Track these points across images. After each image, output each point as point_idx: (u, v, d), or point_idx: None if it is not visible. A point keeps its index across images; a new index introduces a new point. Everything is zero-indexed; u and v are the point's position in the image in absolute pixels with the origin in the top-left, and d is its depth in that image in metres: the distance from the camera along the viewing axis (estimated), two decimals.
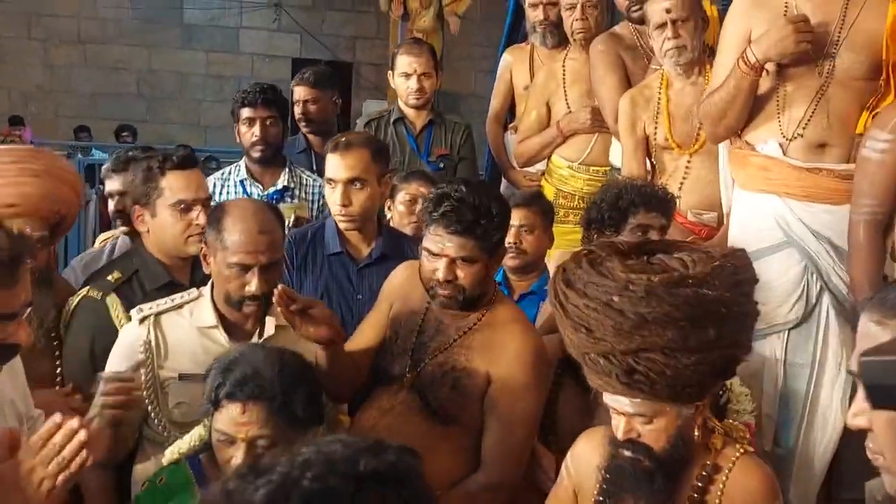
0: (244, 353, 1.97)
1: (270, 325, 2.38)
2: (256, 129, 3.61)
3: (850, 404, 2.78)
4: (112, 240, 3.20)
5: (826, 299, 2.86)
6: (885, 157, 2.58)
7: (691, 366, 1.72)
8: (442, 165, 3.96)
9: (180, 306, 2.36)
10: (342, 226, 2.91)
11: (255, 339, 2.34)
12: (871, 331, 1.24)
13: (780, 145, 2.84)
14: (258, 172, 3.69)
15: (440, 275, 2.27)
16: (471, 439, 2.32)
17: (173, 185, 2.61)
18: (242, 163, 3.71)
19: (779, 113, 2.84)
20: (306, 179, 3.73)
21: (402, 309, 2.45)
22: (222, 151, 7.71)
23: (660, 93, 3.26)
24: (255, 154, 3.63)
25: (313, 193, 3.71)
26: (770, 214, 2.85)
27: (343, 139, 2.93)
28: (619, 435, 1.81)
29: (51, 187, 2.36)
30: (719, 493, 1.84)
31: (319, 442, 1.03)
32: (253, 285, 2.28)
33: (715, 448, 1.87)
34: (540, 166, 4.12)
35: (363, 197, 2.86)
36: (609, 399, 1.80)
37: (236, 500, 0.95)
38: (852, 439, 2.82)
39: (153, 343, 2.30)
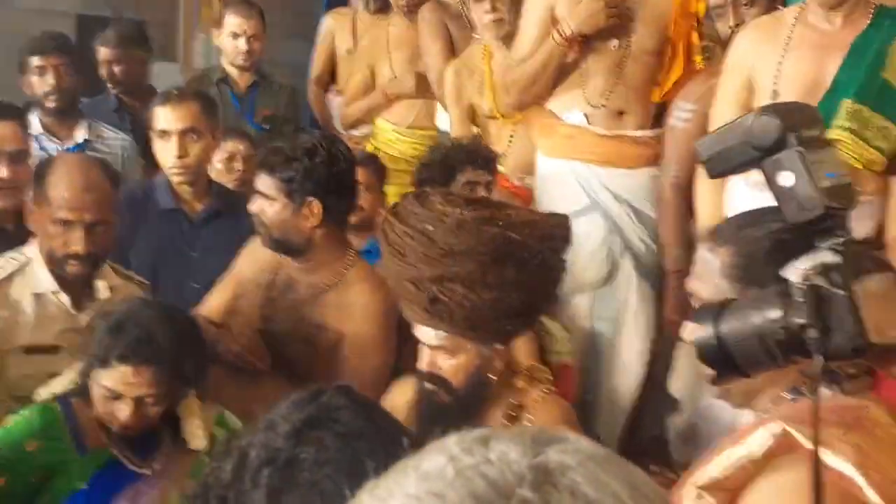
0: (134, 311, 2.03)
1: (103, 288, 2.43)
2: (50, 77, 3.54)
3: (648, 351, 3.16)
4: None
5: (627, 258, 3.21)
6: (688, 125, 2.93)
7: (489, 301, 1.92)
8: (267, 127, 4.01)
9: (10, 275, 2.35)
10: (177, 179, 2.96)
11: (87, 305, 2.40)
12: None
13: (585, 114, 3.14)
14: (53, 125, 3.61)
15: (253, 207, 2.49)
16: None
17: None
18: (35, 117, 3.58)
19: (582, 83, 3.11)
20: (108, 134, 3.71)
21: (252, 268, 2.57)
22: None
23: (483, 65, 3.46)
24: (50, 104, 3.56)
25: (115, 147, 3.67)
26: (575, 180, 3.17)
27: (174, 92, 3.01)
28: (422, 366, 2.00)
29: None
30: None
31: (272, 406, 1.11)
32: (77, 244, 2.30)
33: (520, 389, 2.08)
34: (365, 130, 4.25)
35: (198, 148, 2.94)
36: (418, 331, 1.99)
37: (211, 483, 1.04)
38: (654, 383, 3.19)
39: None
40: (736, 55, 2.74)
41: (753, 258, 1.26)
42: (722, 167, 1.04)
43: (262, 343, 2.51)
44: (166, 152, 2.94)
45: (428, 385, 1.99)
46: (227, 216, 3.06)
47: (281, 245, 2.50)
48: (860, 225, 2.56)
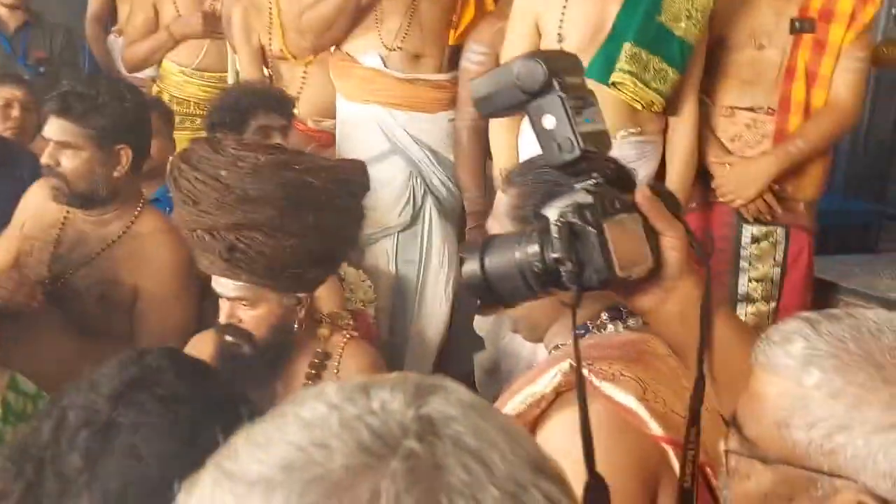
0: None
1: None
2: None
3: (452, 293, 3.25)
4: None
5: (429, 201, 3.28)
6: (480, 68, 3.00)
7: (289, 248, 1.90)
8: (42, 70, 3.76)
9: None
10: None
11: None
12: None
13: (381, 57, 3.16)
14: None
15: (43, 159, 2.31)
16: (117, 353, 2.37)
17: None
18: None
19: (377, 25, 3.13)
20: None
21: (37, 223, 2.44)
22: None
23: (270, 3, 3.38)
24: None
25: None
26: (375, 124, 3.19)
27: None
28: (222, 318, 1.96)
29: None
30: (335, 376, 2.05)
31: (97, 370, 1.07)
32: None
33: (324, 336, 2.08)
34: (150, 72, 4.07)
35: None
36: (216, 283, 1.95)
37: (28, 443, 0.99)
38: (458, 322, 3.29)
39: None
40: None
41: (527, 199, 1.35)
42: (492, 108, 1.10)
43: (29, 279, 2.38)
44: None
45: (228, 338, 1.96)
46: (5, 169, 2.88)
47: (82, 198, 2.38)
48: (645, 165, 2.74)
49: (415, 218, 3.24)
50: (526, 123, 2.79)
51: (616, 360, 1.30)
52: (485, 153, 3.10)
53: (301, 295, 1.98)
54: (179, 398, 1.03)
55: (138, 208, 2.46)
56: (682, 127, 2.81)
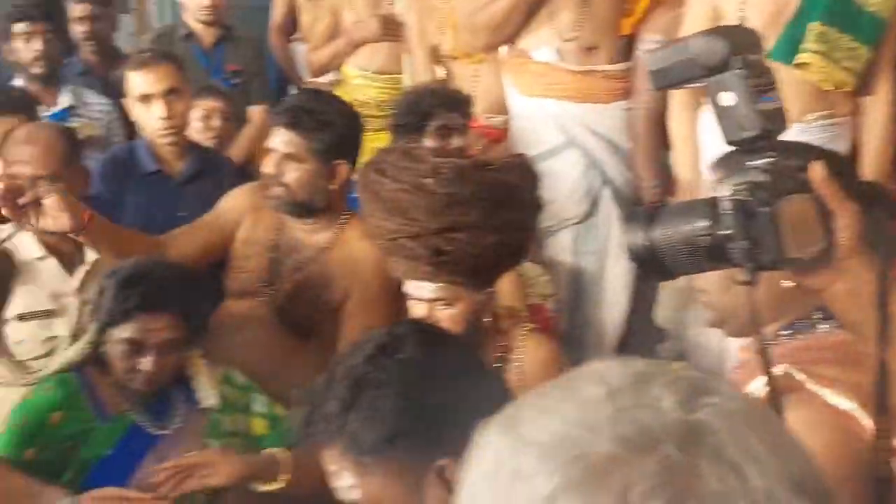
0: (141, 265, 2.14)
1: (91, 251, 2.49)
2: (36, 44, 3.57)
3: (633, 282, 3.25)
4: None
5: (606, 192, 3.29)
6: None
7: (492, 246, 2.00)
8: (234, 82, 4.02)
9: (2, 241, 2.42)
10: (166, 140, 3.02)
11: (77, 268, 2.47)
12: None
13: (556, 50, 3.21)
14: (39, 92, 3.65)
15: (268, 168, 2.49)
16: (326, 352, 2.53)
17: None
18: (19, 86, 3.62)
19: (550, 20, 3.20)
20: (91, 99, 3.76)
21: (252, 228, 2.60)
22: None
23: (444, 4, 3.49)
24: (37, 70, 3.60)
25: (98, 112, 3.73)
26: (550, 118, 3.23)
27: (145, 55, 3.06)
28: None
29: None
30: (517, 370, 2.14)
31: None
32: (28, 195, 2.32)
33: (505, 330, 2.17)
34: (331, 76, 4.27)
35: (181, 108, 3.02)
36: (411, 287, 2.06)
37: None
38: (638, 312, 3.30)
39: None
40: None
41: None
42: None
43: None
44: (150, 115, 2.99)
45: None
46: (208, 174, 3.12)
47: (300, 207, 2.53)
48: (837, 145, 2.67)
49: (592, 209, 3.27)
50: (705, 111, 2.78)
51: (832, 364, 1.28)
52: (661, 142, 3.10)
53: (490, 290, 2.07)
54: (415, 363, 1.14)
55: (344, 216, 2.61)
56: (878, 107, 2.71)
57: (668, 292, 3.10)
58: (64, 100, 3.62)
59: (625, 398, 0.59)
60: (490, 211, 1.97)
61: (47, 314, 2.40)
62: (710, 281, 1.56)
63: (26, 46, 3.58)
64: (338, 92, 4.15)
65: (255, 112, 3.97)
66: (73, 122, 3.60)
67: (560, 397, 0.61)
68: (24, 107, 2.84)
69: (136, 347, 2.06)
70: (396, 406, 1.13)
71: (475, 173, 1.98)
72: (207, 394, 2.18)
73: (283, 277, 2.58)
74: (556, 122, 3.20)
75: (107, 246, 2.39)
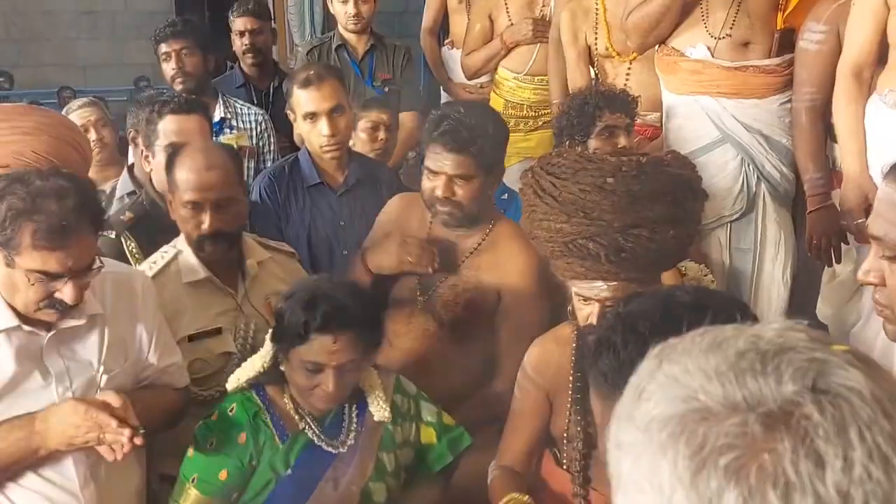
0: (320, 286, 2.18)
1: (252, 265, 2.60)
2: (173, 62, 3.84)
3: (790, 279, 3.24)
4: (113, 180, 3.35)
5: (763, 187, 3.32)
6: (821, 47, 2.98)
7: (671, 239, 2.07)
8: (387, 89, 4.19)
9: (164, 268, 2.51)
10: (331, 155, 3.17)
11: (239, 284, 2.58)
12: (886, 192, 1.50)
13: (709, 48, 3.24)
14: None
15: (439, 192, 2.58)
16: (483, 352, 2.66)
17: (167, 128, 2.85)
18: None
19: (703, 18, 3.22)
20: (241, 109, 3.97)
21: (404, 235, 2.70)
22: (104, 90, 7.75)
23: (597, 4, 3.56)
24: (178, 86, 3.85)
25: (251, 122, 3.95)
26: (704, 114, 3.28)
27: (312, 72, 3.18)
28: (594, 321, 2.11)
29: (46, 146, 2.39)
30: None
31: None
32: (206, 223, 2.45)
33: None
34: (485, 79, 4.40)
35: (344, 123, 3.15)
36: (583, 287, 2.12)
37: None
38: (794, 310, 3.28)
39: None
40: None
41: None
42: None
43: (430, 248, 2.66)
44: (315, 132, 3.15)
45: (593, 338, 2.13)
46: (366, 184, 3.27)
47: (471, 219, 2.64)
48: None
49: (749, 205, 3.29)
50: (873, 99, 2.76)
51: None
52: (825, 134, 3.08)
53: (656, 285, 2.14)
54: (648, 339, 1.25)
55: (493, 219, 2.72)
56: None
57: (830, 288, 3.09)
58: (216, 112, 3.84)
59: (757, 362, 0.65)
60: (670, 205, 2.04)
61: (216, 332, 2.49)
62: (892, 297, 1.56)
63: (167, 66, 3.86)
64: (493, 95, 4.33)
65: (406, 118, 4.13)
66: (227, 134, 3.86)
67: (711, 341, 0.70)
68: (202, 108, 3.02)
69: (317, 368, 2.11)
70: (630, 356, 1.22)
71: (655, 169, 2.06)
72: (380, 408, 2.22)
73: (435, 283, 2.69)
74: (710, 118, 3.25)
75: None
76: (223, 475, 2.16)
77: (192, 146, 2.58)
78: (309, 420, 2.21)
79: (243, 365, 2.27)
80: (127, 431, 1.94)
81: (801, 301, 3.30)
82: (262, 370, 2.21)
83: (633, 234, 2.03)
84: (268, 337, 2.24)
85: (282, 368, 2.20)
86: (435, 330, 2.68)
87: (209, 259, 2.51)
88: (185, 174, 2.46)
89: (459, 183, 2.59)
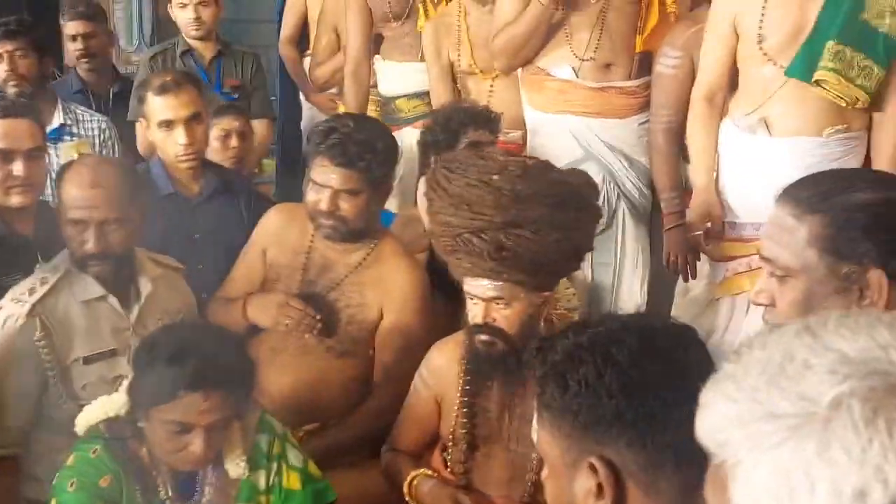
0: (184, 336, 2.05)
1: (145, 283, 2.51)
2: (4, 64, 3.64)
3: (647, 292, 3.39)
4: None
5: (622, 205, 3.46)
6: (676, 72, 3.15)
7: (553, 244, 2.13)
8: (236, 96, 4.11)
9: (55, 284, 2.39)
10: (187, 165, 3.07)
11: (133, 302, 2.48)
12: (788, 222, 1.52)
13: (573, 69, 3.36)
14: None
15: (323, 205, 2.55)
16: (362, 368, 2.68)
17: None
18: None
19: (568, 39, 3.33)
20: (82, 115, 3.80)
21: (282, 251, 2.71)
22: None
23: (458, 21, 3.62)
24: (11, 90, 3.63)
25: (93, 129, 3.78)
26: (568, 133, 3.39)
27: (168, 79, 3.08)
28: (479, 319, 2.19)
29: None
30: None
31: None
32: (90, 243, 2.36)
33: None
34: (334, 90, 4.39)
35: (201, 132, 3.06)
36: (471, 285, 2.18)
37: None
38: None
39: (48, 332, 2.35)
40: (721, 1, 2.93)
41: (848, 230, 1.45)
42: None
43: (310, 311, 2.63)
44: (170, 141, 3.03)
45: (483, 337, 2.18)
46: (224, 196, 3.18)
47: (355, 234, 2.63)
48: (852, 160, 2.83)
49: (609, 221, 3.40)
50: (726, 122, 2.93)
51: None
52: (680, 154, 3.25)
53: (546, 294, 2.20)
54: (626, 368, 1.18)
55: (377, 235, 2.71)
56: (888, 123, 2.88)
57: (684, 301, 3.25)
58: (55, 118, 3.66)
59: None
60: (553, 209, 2.11)
61: (111, 353, 2.42)
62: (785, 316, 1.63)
63: (10, 65, 3.62)
64: (341, 107, 4.29)
65: (257, 126, 4.06)
66: (67, 140, 3.66)
67: (870, 323, 0.72)
68: (32, 111, 2.86)
69: (184, 429, 1.96)
70: (608, 389, 1.15)
71: (541, 172, 2.14)
72: (236, 465, 2.09)
73: (317, 299, 2.66)
74: (574, 137, 3.36)
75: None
76: None
77: (84, 161, 2.48)
78: (167, 477, 2.07)
79: (92, 404, 2.12)
80: None
81: (656, 313, 3.43)
82: (114, 417, 2.06)
83: (514, 233, 2.10)
84: (123, 387, 2.10)
85: (140, 425, 2.03)
86: (314, 345, 2.64)
87: (107, 279, 2.41)
88: (71, 191, 2.35)
89: (345, 197, 2.58)
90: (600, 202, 3.34)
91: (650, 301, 3.50)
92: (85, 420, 2.09)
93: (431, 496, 2.27)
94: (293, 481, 2.18)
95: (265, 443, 2.16)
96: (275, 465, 2.16)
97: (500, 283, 2.13)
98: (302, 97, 4.76)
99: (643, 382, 1.16)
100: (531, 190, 2.10)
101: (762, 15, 2.80)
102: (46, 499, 2.09)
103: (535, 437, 1.25)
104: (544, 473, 1.25)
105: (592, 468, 1.14)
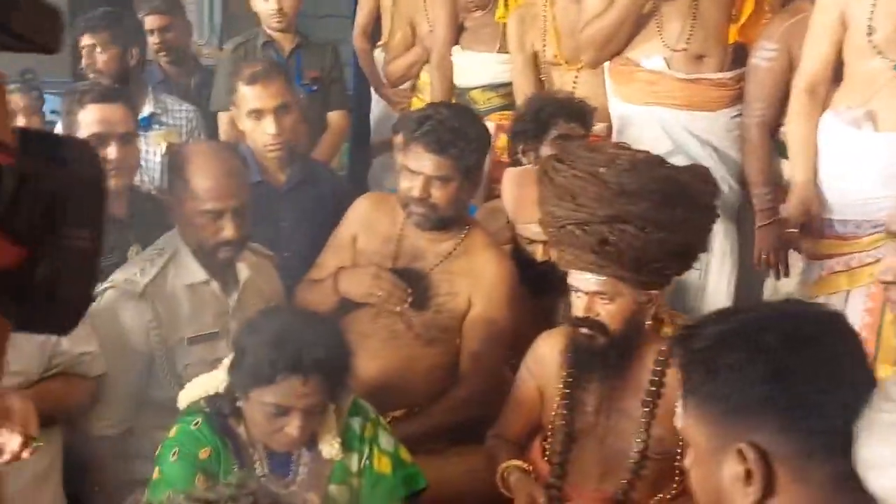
0: (286, 321, 2.09)
1: (244, 269, 2.58)
2: (101, 56, 3.72)
3: (734, 290, 3.33)
4: None
5: None
6: (772, 64, 3.09)
7: (657, 241, 2.09)
8: (315, 87, 4.11)
9: (163, 267, 2.48)
10: (274, 154, 3.09)
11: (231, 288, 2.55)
12: None
13: (665, 59, 3.29)
14: None
15: (416, 192, 2.54)
16: (448, 357, 2.67)
17: (88, 118, 2.74)
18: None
19: (659, 30, 3.28)
20: (171, 104, 3.86)
21: (372, 238, 2.71)
22: None
23: (545, 11, 3.59)
24: (105, 80, 3.65)
25: (182, 118, 3.81)
26: (657, 125, 3.34)
27: (258, 69, 3.12)
28: (580, 312, 2.17)
29: None
30: (677, 377, 2.20)
31: None
32: (228, 230, 2.44)
33: (666, 336, 2.27)
34: (408, 84, 4.38)
35: (290, 121, 3.06)
36: (574, 278, 2.16)
37: None
38: None
39: (157, 314, 2.43)
40: None
41: None
42: None
43: (401, 284, 2.64)
44: (260, 129, 3.07)
45: (585, 330, 2.16)
46: (310, 185, 3.20)
47: (445, 222, 2.62)
48: None
49: None
50: (826, 116, 2.87)
51: None
52: (773, 149, 3.19)
53: (653, 293, 2.16)
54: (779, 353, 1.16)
55: (467, 225, 2.71)
56: None
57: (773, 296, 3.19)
58: (146, 107, 3.71)
59: None
60: (659, 205, 2.07)
61: (212, 336, 2.48)
62: None
63: (90, 58, 3.71)
64: (415, 100, 4.30)
65: (334, 117, 4.09)
66: (156, 129, 3.71)
67: None
68: (125, 96, 2.92)
69: (282, 411, 2.01)
70: (760, 374, 1.14)
71: (649, 167, 2.09)
72: (332, 446, 2.14)
73: (409, 273, 2.67)
74: (662, 130, 3.31)
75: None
76: (200, 481, 2.03)
77: (203, 149, 2.58)
78: (262, 455, 2.12)
79: (193, 382, 2.19)
80: (19, 439, 1.86)
81: None
82: (214, 394, 2.11)
83: (618, 227, 2.07)
84: (224, 364, 2.15)
85: (238, 404, 2.08)
86: (402, 332, 2.64)
87: (212, 264, 2.48)
88: (205, 182, 2.42)
89: (437, 185, 2.57)
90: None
91: (737, 300, 3.43)
92: (187, 396, 2.16)
93: (516, 488, 2.28)
94: (384, 465, 2.22)
95: (358, 426, 2.21)
96: (367, 449, 2.20)
97: (603, 277, 2.11)
98: (372, 90, 4.77)
99: (795, 368, 1.14)
100: (637, 184, 2.06)
101: (873, 5, 2.73)
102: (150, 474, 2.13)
103: (678, 423, 1.23)
104: (688, 460, 1.23)
105: (741, 454, 1.12)
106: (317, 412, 2.05)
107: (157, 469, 2.08)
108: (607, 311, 2.15)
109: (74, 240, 0.65)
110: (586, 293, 2.14)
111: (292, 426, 2.01)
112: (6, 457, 1.85)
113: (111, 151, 2.68)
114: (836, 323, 1.21)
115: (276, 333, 2.01)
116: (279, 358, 1.97)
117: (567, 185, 2.10)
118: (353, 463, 2.18)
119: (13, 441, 1.85)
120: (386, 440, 2.24)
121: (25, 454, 1.86)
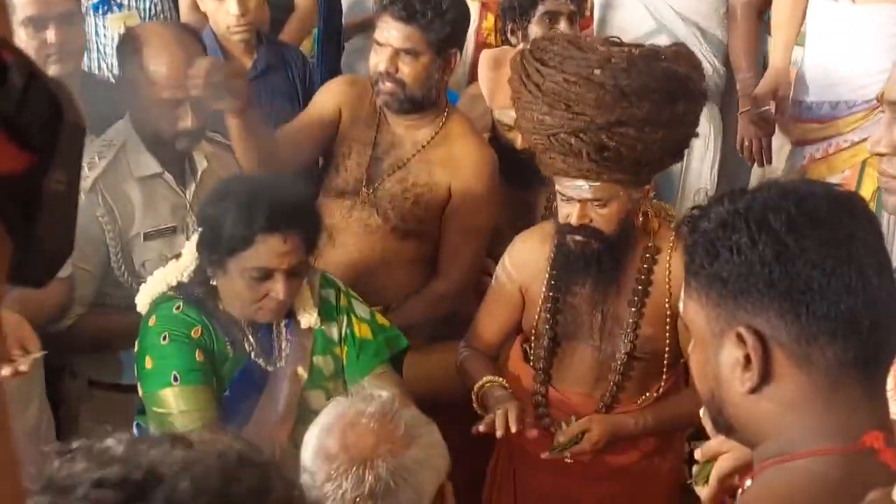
0: (255, 183, 2.07)
1: (200, 159, 2.47)
2: None
3: (717, 177, 3.29)
4: None
5: None
6: None
7: (658, 141, 2.01)
8: None
9: (113, 160, 2.36)
10: (239, 37, 2.98)
11: (188, 179, 2.46)
12: None
13: None
14: None
15: (382, 66, 2.45)
16: (425, 250, 2.60)
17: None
18: None
19: None
20: None
21: (350, 125, 2.58)
22: None
23: None
24: None
25: (144, 2, 3.59)
26: (640, 3, 3.25)
27: None
28: (574, 221, 2.08)
29: None
30: (667, 271, 2.18)
31: None
32: (186, 120, 2.32)
33: (653, 230, 2.20)
34: None
35: (255, 3, 2.93)
36: (565, 186, 2.07)
37: None
38: None
39: (109, 208, 2.33)
40: None
41: None
42: None
43: None
44: (223, 11, 2.93)
45: (577, 237, 2.09)
46: (279, 70, 3.09)
47: (414, 103, 2.50)
48: None
49: None
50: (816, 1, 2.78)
51: None
52: (759, 32, 3.10)
53: (646, 187, 2.10)
54: (783, 236, 1.11)
55: (445, 112, 2.60)
56: None
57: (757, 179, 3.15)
58: None
59: None
60: (661, 104, 1.97)
61: (169, 231, 2.40)
62: None
63: None
64: None
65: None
66: (115, 12, 3.53)
67: None
68: None
69: (265, 274, 1.98)
70: (762, 256, 1.10)
71: (647, 63, 1.96)
72: (309, 314, 2.13)
73: (383, 176, 2.59)
74: (645, 7, 3.21)
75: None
76: (199, 355, 2.02)
77: (158, 32, 2.40)
78: (248, 333, 2.10)
79: (149, 280, 2.13)
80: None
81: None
82: (175, 284, 2.07)
83: (618, 132, 1.97)
84: (187, 247, 2.10)
85: (212, 283, 2.05)
86: (378, 225, 2.57)
87: (166, 156, 2.37)
88: (163, 68, 2.29)
89: (406, 59, 2.46)
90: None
91: (721, 187, 3.39)
92: (147, 295, 2.11)
93: (494, 402, 2.17)
94: (364, 331, 2.22)
95: (332, 297, 2.21)
96: (345, 318, 2.21)
97: (599, 183, 2.02)
98: None
99: (800, 250, 1.09)
100: (637, 84, 1.94)
101: None
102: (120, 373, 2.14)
103: (680, 307, 1.19)
104: (691, 345, 1.20)
105: (740, 338, 1.09)
106: (298, 273, 2.02)
107: (146, 358, 2.04)
108: (601, 215, 2.07)
109: (53, 182, 0.59)
110: (579, 201, 2.06)
111: (276, 289, 1.98)
112: (7, 371, 1.80)
113: (50, 35, 2.47)
114: (849, 203, 1.16)
115: (248, 194, 1.98)
116: (255, 217, 1.94)
117: (559, 92, 1.97)
118: (334, 333, 2.19)
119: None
120: (361, 309, 2.24)
121: (24, 367, 1.83)
